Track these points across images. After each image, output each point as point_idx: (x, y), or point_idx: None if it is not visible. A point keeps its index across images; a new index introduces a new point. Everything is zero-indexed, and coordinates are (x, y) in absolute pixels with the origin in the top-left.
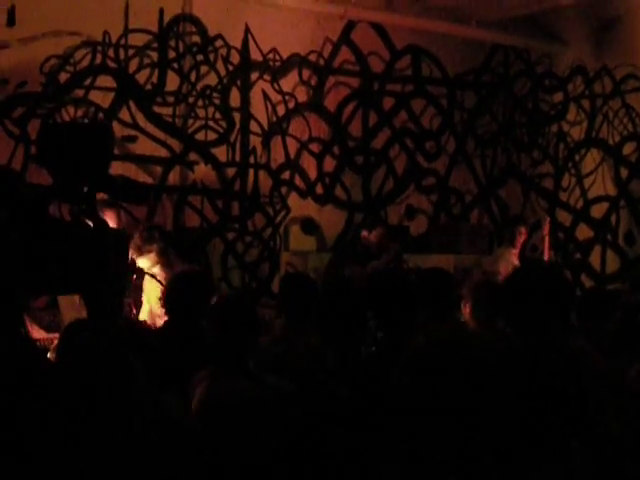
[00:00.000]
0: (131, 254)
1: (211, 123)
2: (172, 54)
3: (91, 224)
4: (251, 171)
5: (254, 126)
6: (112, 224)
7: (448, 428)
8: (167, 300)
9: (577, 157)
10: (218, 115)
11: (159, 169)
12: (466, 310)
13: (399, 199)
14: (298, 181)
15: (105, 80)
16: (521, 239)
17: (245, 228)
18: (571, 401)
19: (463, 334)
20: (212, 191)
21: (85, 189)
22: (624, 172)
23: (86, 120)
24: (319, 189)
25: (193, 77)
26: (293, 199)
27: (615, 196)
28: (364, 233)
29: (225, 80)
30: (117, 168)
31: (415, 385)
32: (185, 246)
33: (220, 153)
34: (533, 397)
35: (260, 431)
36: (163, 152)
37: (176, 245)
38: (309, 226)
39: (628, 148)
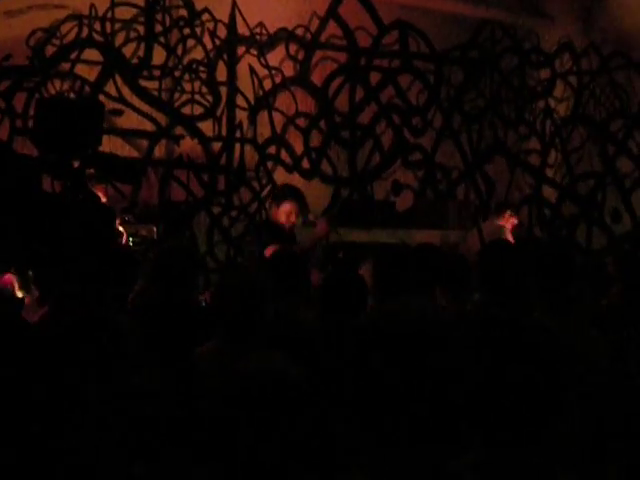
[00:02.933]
0: None
1: (197, 97)
2: (159, 28)
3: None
4: (237, 146)
5: (240, 100)
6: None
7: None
8: (156, 274)
9: (564, 134)
10: (204, 89)
11: (145, 143)
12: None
13: (385, 174)
14: (284, 156)
15: (91, 53)
16: (508, 225)
17: (231, 203)
18: (541, 385)
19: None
20: (198, 165)
21: (76, 165)
22: (611, 149)
23: (72, 94)
24: (305, 164)
25: (180, 51)
26: (279, 174)
27: (601, 173)
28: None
29: (212, 54)
30: (103, 142)
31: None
32: (171, 220)
33: (206, 127)
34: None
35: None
36: (149, 126)
37: (162, 219)
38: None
39: (615, 125)
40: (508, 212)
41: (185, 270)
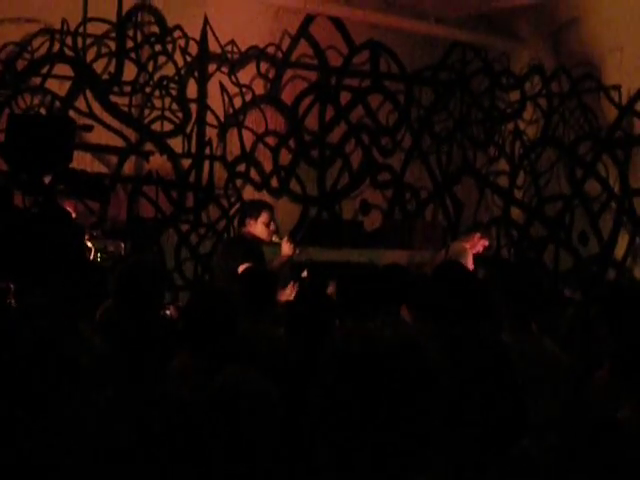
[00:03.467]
0: None
1: (167, 114)
2: (130, 44)
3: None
4: (206, 163)
5: (210, 118)
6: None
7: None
8: (121, 289)
9: (533, 155)
10: (175, 106)
11: (114, 159)
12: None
13: (354, 194)
14: (253, 174)
15: (62, 68)
16: (479, 246)
17: (199, 220)
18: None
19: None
20: (167, 182)
21: (47, 181)
22: (579, 172)
23: (43, 109)
24: (274, 182)
25: (150, 67)
26: (248, 192)
27: (569, 195)
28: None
29: (182, 71)
30: (73, 157)
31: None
32: (138, 236)
33: (176, 144)
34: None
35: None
36: (119, 142)
37: (130, 235)
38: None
39: (583, 148)
40: (477, 234)
41: (150, 285)
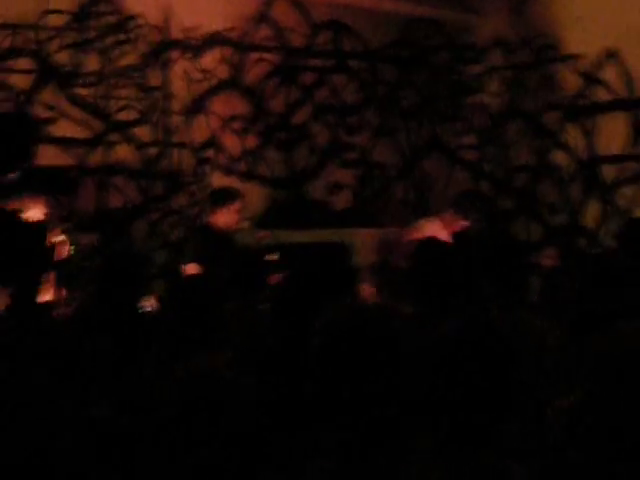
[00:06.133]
0: None
1: (132, 103)
2: (92, 34)
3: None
4: (174, 150)
5: (175, 105)
6: (40, 211)
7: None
8: (103, 279)
9: (499, 128)
10: (139, 95)
11: (80, 151)
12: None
13: (322, 174)
14: (221, 159)
15: (25, 62)
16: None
17: (169, 207)
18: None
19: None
20: (135, 171)
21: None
22: (545, 142)
23: (5, 103)
24: (242, 166)
25: (113, 57)
26: (216, 177)
27: (537, 166)
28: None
29: (146, 59)
30: (38, 151)
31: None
32: (108, 228)
33: (142, 133)
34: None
35: None
36: (84, 133)
37: (99, 227)
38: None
39: (549, 118)
40: (451, 211)
41: (133, 275)
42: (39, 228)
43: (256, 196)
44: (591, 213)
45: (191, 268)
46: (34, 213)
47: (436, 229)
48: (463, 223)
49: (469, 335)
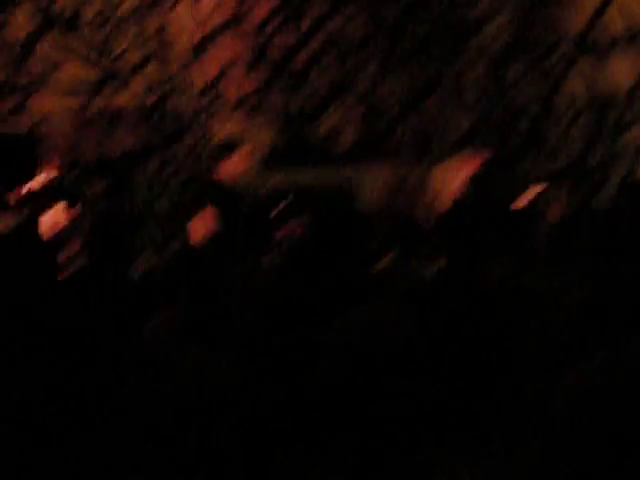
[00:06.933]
0: None
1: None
2: None
3: None
4: (174, 97)
5: (175, 51)
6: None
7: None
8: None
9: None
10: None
11: (80, 99)
12: None
13: (327, 113)
14: (221, 103)
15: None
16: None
17: (170, 155)
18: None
19: None
20: (135, 119)
21: None
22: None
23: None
24: (244, 108)
25: (113, 3)
26: (218, 123)
27: (540, 108)
28: None
29: (146, 4)
30: None
31: None
32: (109, 176)
33: (142, 80)
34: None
35: None
36: (84, 81)
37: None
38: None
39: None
40: (469, 149)
41: (121, 237)
42: None
43: (260, 139)
44: (597, 157)
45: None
46: None
47: (452, 174)
48: (484, 155)
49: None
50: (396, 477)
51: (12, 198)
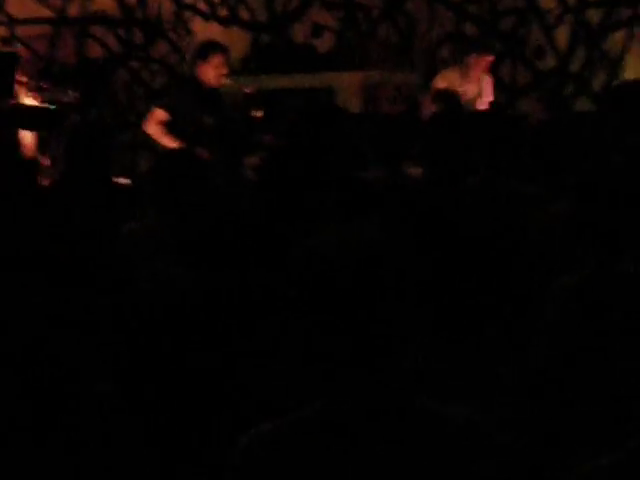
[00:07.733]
0: None
1: None
2: None
3: None
4: None
5: None
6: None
7: None
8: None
9: None
10: None
11: (59, 1)
12: None
13: (304, 17)
14: (201, 5)
15: None
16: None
17: (149, 56)
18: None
19: None
20: (114, 20)
21: None
22: None
23: None
24: (223, 11)
25: None
26: (197, 23)
27: (524, 9)
28: None
29: None
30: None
31: None
32: (90, 78)
33: None
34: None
35: None
36: None
37: (81, 78)
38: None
39: None
40: (473, 55)
41: (99, 148)
42: None
43: (238, 42)
44: (579, 58)
45: (159, 114)
46: None
47: (454, 79)
48: (489, 59)
49: None
50: None
51: None
